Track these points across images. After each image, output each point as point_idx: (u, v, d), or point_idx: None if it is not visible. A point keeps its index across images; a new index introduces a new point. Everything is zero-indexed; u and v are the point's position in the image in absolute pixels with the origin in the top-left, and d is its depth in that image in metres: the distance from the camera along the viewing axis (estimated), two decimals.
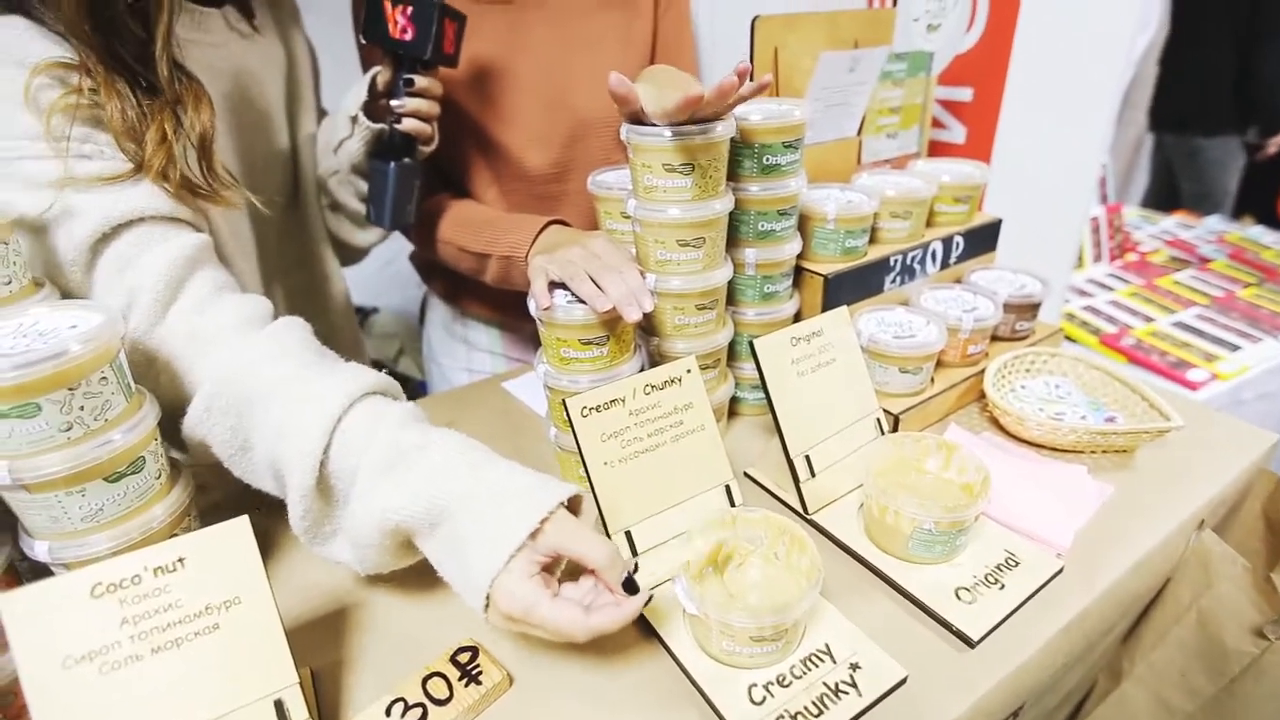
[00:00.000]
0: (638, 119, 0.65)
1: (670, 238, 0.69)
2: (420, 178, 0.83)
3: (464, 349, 1.12)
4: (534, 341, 1.08)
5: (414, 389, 1.97)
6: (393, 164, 0.79)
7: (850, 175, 0.97)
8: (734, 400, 0.85)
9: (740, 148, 0.73)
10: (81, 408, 0.48)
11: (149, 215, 0.57)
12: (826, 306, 0.83)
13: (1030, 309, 0.90)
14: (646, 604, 0.50)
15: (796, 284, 0.84)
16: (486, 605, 0.49)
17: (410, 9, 0.72)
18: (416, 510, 0.50)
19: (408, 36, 0.73)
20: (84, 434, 0.48)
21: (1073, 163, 1.20)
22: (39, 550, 0.50)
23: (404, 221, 0.84)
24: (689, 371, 0.64)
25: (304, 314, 0.88)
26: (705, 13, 0.96)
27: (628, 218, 0.79)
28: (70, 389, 0.47)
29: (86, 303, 0.52)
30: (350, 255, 0.98)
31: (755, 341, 0.66)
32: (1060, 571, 0.59)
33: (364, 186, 0.85)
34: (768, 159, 0.73)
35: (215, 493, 0.76)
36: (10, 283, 0.53)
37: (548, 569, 0.51)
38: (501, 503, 0.50)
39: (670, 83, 0.64)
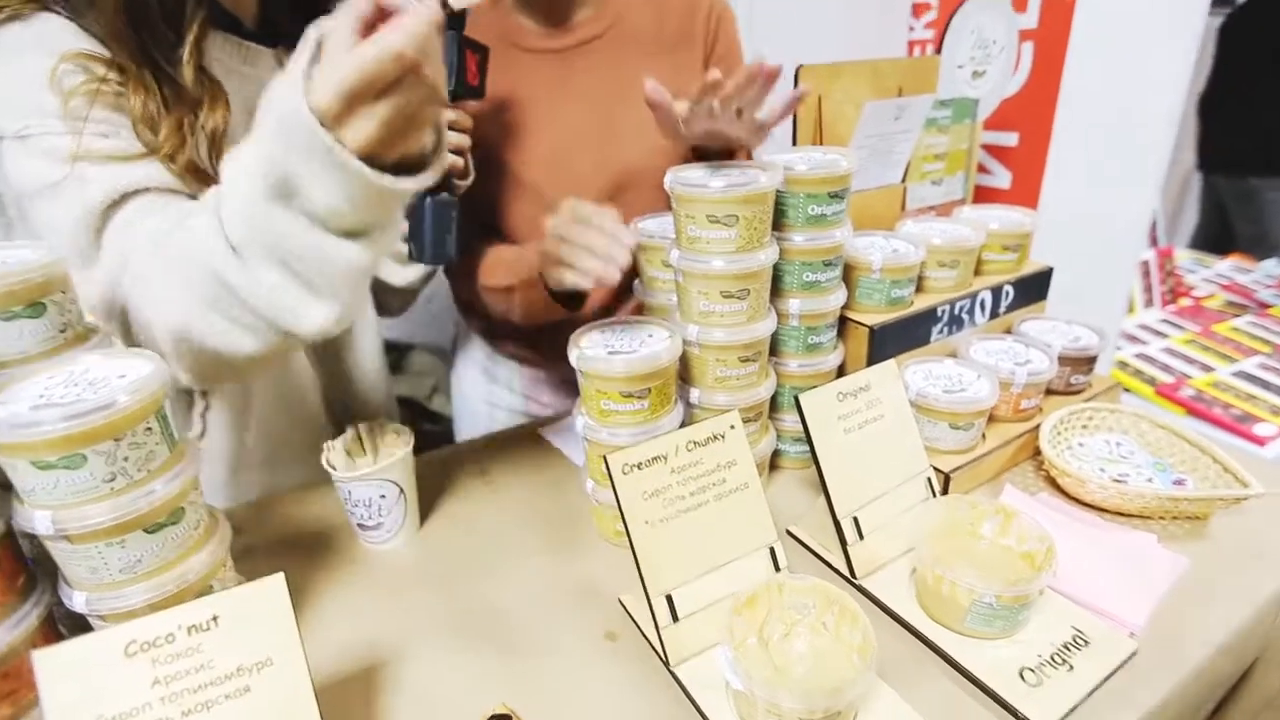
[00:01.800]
0: (675, 134, 0.67)
1: (714, 289, 0.68)
2: (458, 211, 0.84)
3: (487, 382, 1.12)
4: (556, 385, 1.07)
5: (447, 426, 1.97)
6: (429, 199, 0.80)
7: (895, 223, 0.96)
8: (775, 453, 0.82)
9: (785, 197, 0.72)
10: (126, 458, 0.48)
11: (154, 187, 0.61)
12: (872, 358, 0.81)
13: (1086, 362, 0.87)
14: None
15: (840, 334, 0.82)
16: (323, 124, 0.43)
17: None
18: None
19: None
20: (127, 485, 0.48)
21: (1123, 207, 1.17)
22: (77, 601, 0.50)
23: (445, 255, 0.83)
24: (732, 427, 0.62)
25: (327, 370, 0.88)
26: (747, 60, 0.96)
27: (670, 266, 0.78)
28: (116, 440, 0.47)
29: (137, 351, 0.53)
30: (393, 301, 0.99)
31: (801, 397, 0.64)
32: (1135, 654, 0.55)
33: (404, 225, 0.86)
34: (813, 209, 0.72)
35: (249, 535, 0.76)
36: (65, 330, 0.54)
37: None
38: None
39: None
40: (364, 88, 0.42)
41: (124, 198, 0.60)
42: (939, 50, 0.98)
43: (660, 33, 0.89)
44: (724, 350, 0.70)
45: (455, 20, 0.74)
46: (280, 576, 0.46)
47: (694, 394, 0.73)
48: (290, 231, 0.48)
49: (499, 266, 0.88)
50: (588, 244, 0.69)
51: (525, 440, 0.95)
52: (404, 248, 0.87)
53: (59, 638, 0.53)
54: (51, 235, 0.60)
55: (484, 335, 1.10)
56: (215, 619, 0.44)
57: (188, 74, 0.63)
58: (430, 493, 0.81)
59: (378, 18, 0.43)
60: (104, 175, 0.59)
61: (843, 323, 0.82)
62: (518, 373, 1.08)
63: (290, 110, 0.43)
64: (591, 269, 0.68)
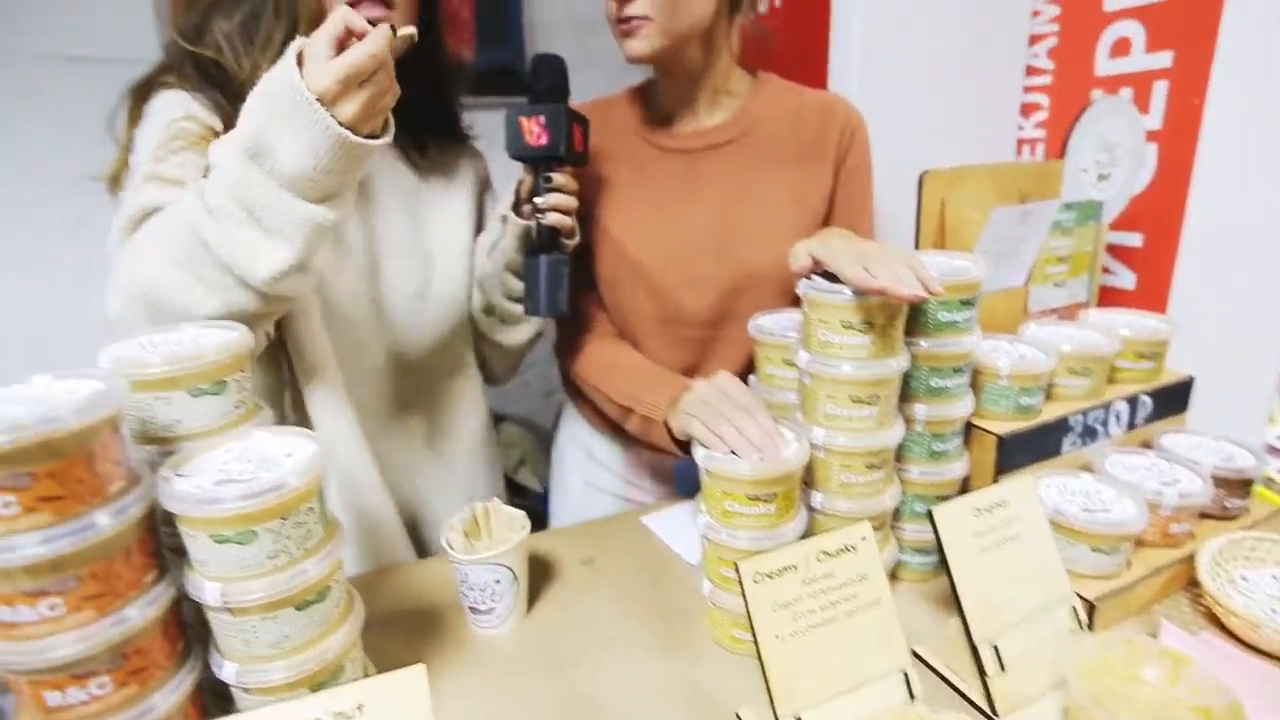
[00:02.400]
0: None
1: (843, 394, 0.67)
2: (569, 268, 0.88)
3: (587, 460, 1.12)
4: (659, 471, 1.06)
5: (532, 500, 1.99)
6: (543, 257, 0.85)
7: (1017, 325, 0.93)
8: (895, 564, 0.78)
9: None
10: (289, 536, 0.50)
11: None
12: (1000, 468, 0.77)
13: (1241, 484, 0.80)
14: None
15: (966, 442, 0.79)
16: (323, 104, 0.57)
17: (543, 118, 0.81)
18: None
19: (543, 142, 0.82)
20: (287, 562, 0.50)
21: (1260, 312, 1.10)
22: (227, 671, 0.52)
23: (557, 309, 0.88)
24: (864, 539, 0.60)
25: (428, 455, 0.94)
26: (887, 167, 0.97)
27: (789, 364, 0.78)
28: (284, 518, 0.49)
29: (302, 431, 0.56)
30: (500, 365, 1.03)
31: (935, 511, 0.62)
32: None
33: (514, 284, 0.91)
34: (943, 315, 0.71)
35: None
36: (239, 407, 0.58)
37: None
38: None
39: (860, 254, 0.64)
40: (354, 76, 0.57)
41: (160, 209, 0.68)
42: (1060, 152, 0.97)
43: (792, 142, 0.92)
44: (850, 456, 0.68)
45: (560, 95, 0.82)
46: (421, 669, 0.46)
47: (817, 498, 0.71)
48: (258, 183, 0.59)
49: (618, 373, 0.91)
50: (741, 429, 0.66)
51: (628, 527, 0.94)
52: (515, 308, 0.92)
53: (203, 707, 0.54)
54: (108, 236, 0.68)
55: (588, 413, 1.11)
56: (360, 707, 0.44)
57: None
58: (533, 576, 0.81)
59: (344, 37, 0.59)
60: (157, 191, 0.68)
61: (968, 430, 0.79)
62: (620, 456, 1.08)
63: (285, 87, 0.57)
64: (744, 453, 0.65)
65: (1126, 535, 0.70)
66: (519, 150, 0.84)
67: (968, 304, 0.71)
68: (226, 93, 0.72)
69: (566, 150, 0.82)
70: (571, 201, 0.86)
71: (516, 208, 0.89)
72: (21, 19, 1.49)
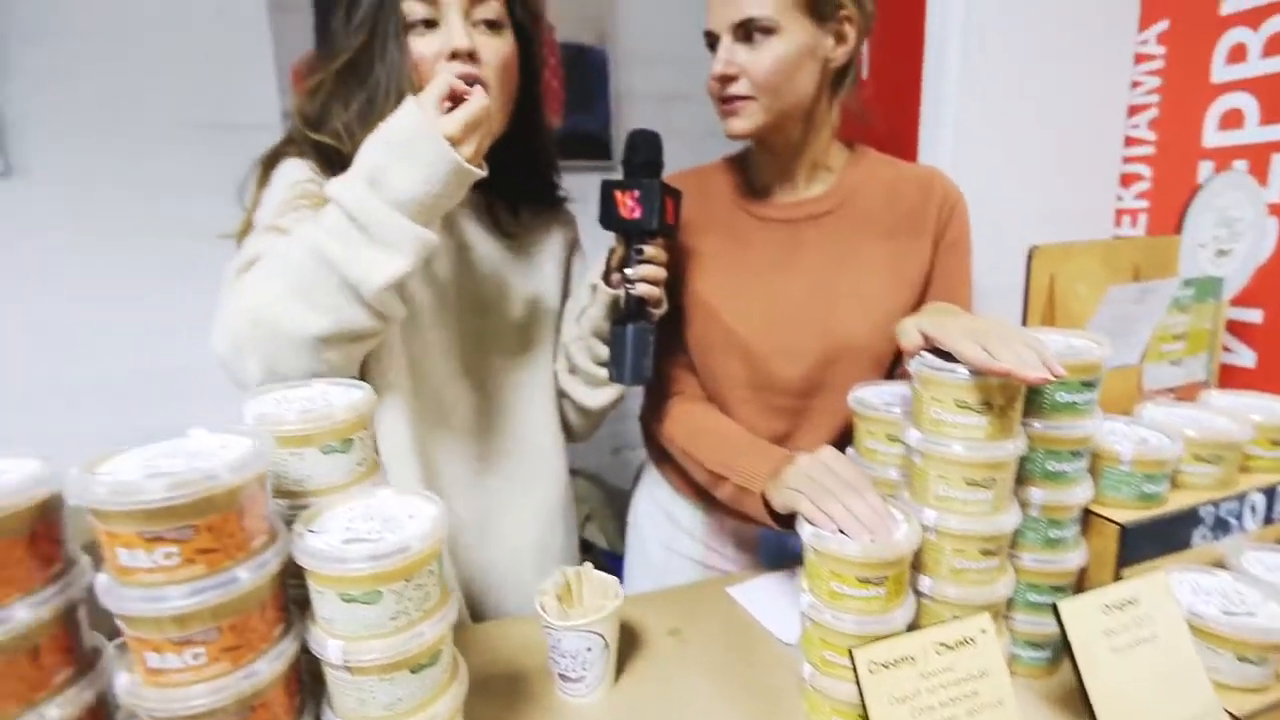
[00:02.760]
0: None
1: (957, 475, 0.65)
2: (655, 337, 0.88)
3: (667, 524, 1.10)
4: (743, 539, 1.04)
5: (596, 556, 1.97)
6: (630, 326, 0.86)
7: (1131, 405, 0.88)
8: (1008, 658, 0.74)
9: None
10: (410, 598, 0.51)
11: None
12: (1122, 560, 0.72)
13: None
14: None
15: (1084, 530, 0.75)
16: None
17: (637, 192, 0.83)
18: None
19: (636, 215, 0.83)
20: (406, 623, 0.51)
21: None
22: None
23: (641, 377, 0.88)
24: (984, 631, 0.57)
25: (505, 516, 0.95)
26: (983, 240, 0.96)
27: (893, 439, 0.77)
28: (407, 580, 0.50)
29: (423, 493, 0.58)
30: (582, 424, 1.04)
31: (1060, 605, 0.58)
32: None
33: (600, 350, 0.92)
34: (1062, 396, 0.68)
35: None
36: (362, 464, 0.61)
37: None
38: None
39: (976, 332, 0.63)
40: (474, 123, 0.67)
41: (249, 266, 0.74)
42: (1173, 226, 0.93)
43: (890, 214, 0.92)
44: (964, 540, 0.65)
45: (655, 170, 0.84)
46: None
47: (925, 583, 0.68)
48: (374, 207, 0.66)
49: (710, 439, 0.90)
50: (850, 507, 0.64)
51: (713, 596, 0.92)
52: (599, 371, 0.93)
53: None
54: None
55: (671, 477, 1.11)
56: None
57: None
58: (619, 643, 0.80)
59: (450, 96, 0.69)
60: (273, 239, 0.73)
61: (1085, 517, 0.75)
62: (702, 521, 1.06)
63: (412, 128, 0.66)
64: (854, 533, 0.63)
65: (1278, 644, 0.64)
66: (612, 222, 0.86)
67: (1089, 385, 0.68)
68: (343, 167, 0.79)
69: (659, 223, 0.84)
70: (661, 273, 0.88)
71: (606, 276, 0.90)
72: (158, 88, 1.66)
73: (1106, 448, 0.74)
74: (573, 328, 0.95)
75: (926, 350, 0.68)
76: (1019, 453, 0.65)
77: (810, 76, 0.85)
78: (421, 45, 0.77)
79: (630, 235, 0.87)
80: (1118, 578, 0.72)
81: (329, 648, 0.50)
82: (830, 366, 0.91)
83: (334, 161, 0.78)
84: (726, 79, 0.84)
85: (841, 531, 0.64)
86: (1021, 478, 0.70)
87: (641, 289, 0.86)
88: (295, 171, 0.80)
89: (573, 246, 1.04)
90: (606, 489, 2.23)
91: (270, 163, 0.82)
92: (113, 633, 0.49)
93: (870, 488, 0.67)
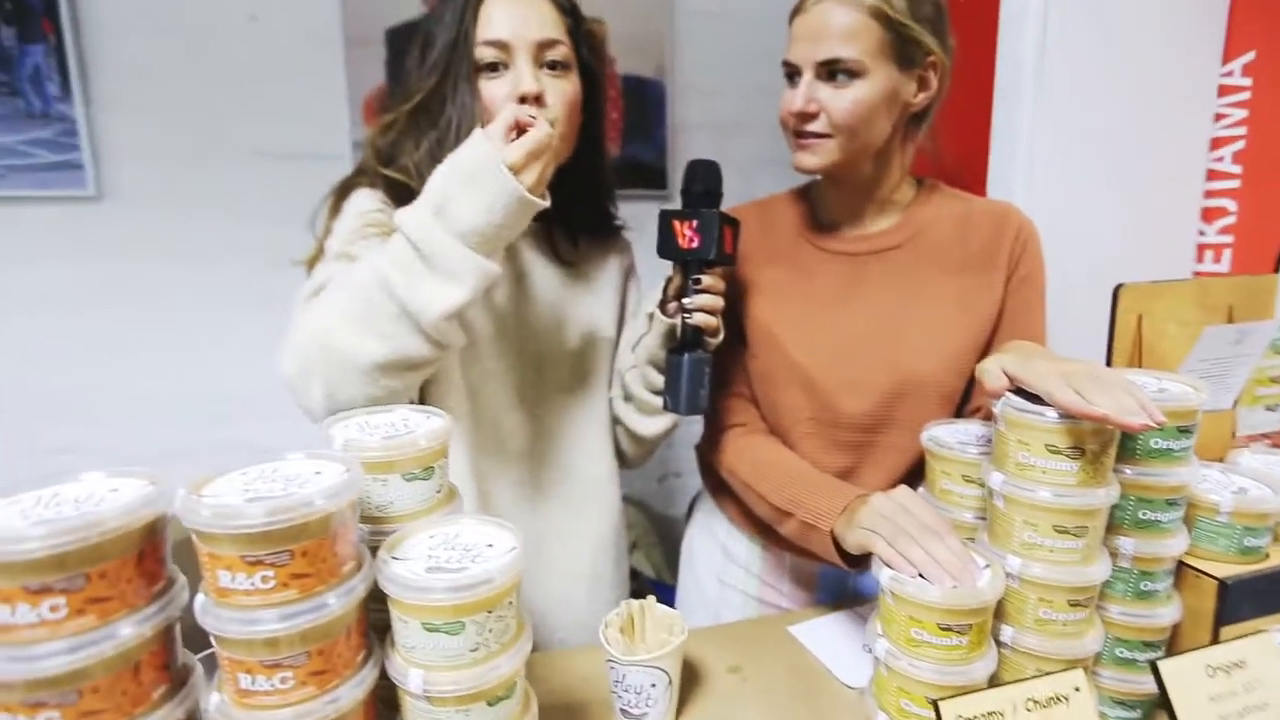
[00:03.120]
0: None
1: (1046, 522, 0.62)
2: (711, 367, 0.87)
3: (721, 557, 1.08)
4: (801, 576, 1.02)
5: (642, 584, 1.95)
6: (686, 355, 0.85)
7: (1224, 451, 0.84)
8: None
9: None
10: (490, 630, 0.51)
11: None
12: (1221, 617, 0.68)
13: None
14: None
15: (1177, 585, 0.71)
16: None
17: (696, 222, 0.82)
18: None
19: (695, 245, 0.83)
20: (485, 655, 0.51)
21: None
22: None
23: (697, 407, 0.87)
24: (1077, 690, 0.54)
25: (564, 528, 0.96)
26: (1057, 274, 0.93)
27: (969, 481, 0.74)
28: (489, 612, 0.51)
29: (500, 522, 0.58)
30: (637, 452, 1.03)
31: (1161, 664, 0.55)
32: None
33: (655, 378, 0.92)
34: (1157, 442, 0.65)
35: None
36: (439, 491, 0.62)
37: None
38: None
39: (1068, 374, 0.61)
40: (536, 151, 0.68)
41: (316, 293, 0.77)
42: (1270, 264, 0.89)
43: (961, 250, 0.90)
44: (1052, 590, 0.63)
45: (714, 200, 0.84)
46: None
47: (1007, 633, 0.65)
48: (437, 237, 0.67)
49: (775, 474, 0.89)
50: (930, 551, 0.63)
51: (773, 634, 0.90)
52: (654, 400, 0.92)
53: None
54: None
55: (717, 500, 1.09)
56: None
57: None
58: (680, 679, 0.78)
59: (515, 127, 0.70)
60: (343, 266, 0.75)
61: (1178, 571, 0.71)
62: (760, 556, 1.04)
63: (478, 158, 0.67)
64: (935, 578, 0.61)
65: None
66: (671, 252, 0.86)
67: (1185, 431, 0.65)
68: (412, 200, 0.81)
69: (717, 253, 0.83)
70: (718, 302, 0.87)
71: (663, 305, 0.90)
72: (240, 119, 1.74)
73: (1202, 497, 0.70)
74: (628, 356, 0.95)
75: (1011, 390, 0.66)
76: (1111, 500, 0.62)
77: (888, 119, 0.84)
78: (492, 88, 0.79)
79: (688, 265, 0.86)
80: (1215, 638, 0.68)
81: (410, 677, 0.51)
82: (897, 402, 0.89)
83: (403, 196, 0.80)
84: (806, 115, 0.83)
85: (921, 576, 0.62)
86: (1111, 525, 0.67)
87: (699, 319, 0.85)
88: (365, 201, 0.82)
89: (629, 273, 1.04)
90: (653, 516, 2.21)
91: (342, 193, 0.85)
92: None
93: (950, 531, 0.65)
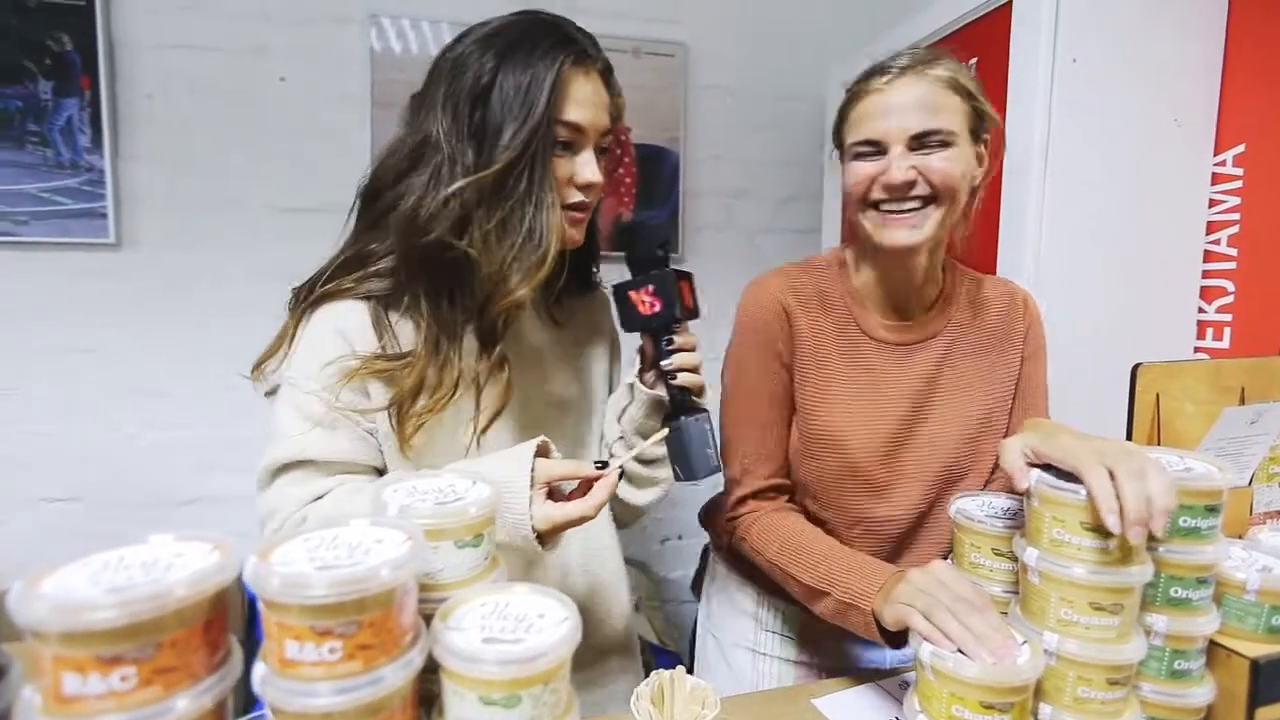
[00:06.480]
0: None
1: (1082, 599, 0.63)
2: (711, 424, 0.86)
3: (751, 625, 1.06)
4: (833, 632, 1.00)
5: (644, 648, 1.90)
6: (684, 419, 0.83)
7: (1241, 529, 0.86)
8: None
9: None
10: (545, 703, 0.51)
11: (319, 459, 0.79)
12: (1255, 698, 0.69)
13: None
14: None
15: (1209, 665, 0.71)
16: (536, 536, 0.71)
17: (651, 286, 0.82)
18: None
19: (657, 309, 0.82)
20: None
21: None
22: None
23: (710, 469, 0.85)
24: None
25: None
26: (1067, 349, 0.96)
27: (999, 554, 0.76)
28: (545, 684, 0.51)
29: (550, 590, 0.58)
30: (629, 518, 1.02)
31: None
32: None
33: (646, 450, 0.88)
34: (1185, 520, 0.67)
35: None
36: (486, 559, 0.62)
37: (550, 494, 0.73)
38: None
39: (1099, 453, 0.63)
40: (567, 525, 0.72)
41: (286, 467, 0.78)
42: (1276, 344, 0.93)
43: (978, 330, 0.93)
44: (1090, 668, 0.63)
45: (661, 260, 0.83)
46: None
47: (1045, 711, 0.65)
48: None
49: (800, 556, 0.88)
50: (968, 624, 0.63)
51: (795, 707, 0.88)
52: (645, 471, 0.91)
53: None
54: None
55: (735, 569, 1.07)
56: None
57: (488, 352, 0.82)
58: None
59: (549, 484, 0.74)
60: (312, 442, 0.78)
61: (1211, 650, 0.71)
62: (796, 617, 1.02)
63: (517, 523, 0.71)
64: (974, 653, 0.61)
65: None
66: (635, 323, 0.85)
67: (1212, 510, 0.67)
68: (454, 286, 0.80)
69: (681, 310, 0.82)
70: (698, 358, 0.85)
71: (642, 375, 0.89)
72: (262, 174, 1.79)
73: (1230, 575, 0.71)
74: (614, 427, 0.94)
75: (1038, 465, 0.67)
76: (1146, 578, 0.63)
77: (965, 193, 0.85)
78: (559, 166, 0.80)
79: (656, 331, 0.85)
80: None
81: None
82: (945, 489, 0.91)
83: (392, 301, 0.80)
84: (909, 184, 0.82)
85: (960, 651, 0.62)
86: (1143, 603, 0.68)
87: (684, 378, 0.84)
88: (339, 325, 0.80)
89: (614, 331, 1.03)
90: (653, 578, 2.18)
91: (311, 299, 0.82)
92: None
93: (989, 605, 0.65)
